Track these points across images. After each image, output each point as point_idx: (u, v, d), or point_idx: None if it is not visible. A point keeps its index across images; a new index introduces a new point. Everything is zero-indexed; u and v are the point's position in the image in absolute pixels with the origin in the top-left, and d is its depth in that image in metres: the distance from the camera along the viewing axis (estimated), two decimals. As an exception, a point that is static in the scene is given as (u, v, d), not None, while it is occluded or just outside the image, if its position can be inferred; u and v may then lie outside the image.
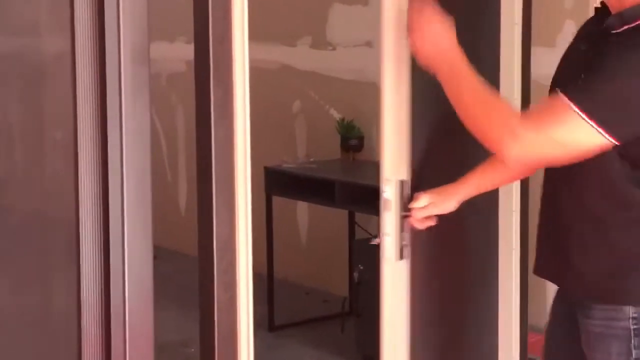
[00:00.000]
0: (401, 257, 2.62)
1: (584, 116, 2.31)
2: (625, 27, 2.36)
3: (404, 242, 2.62)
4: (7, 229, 2.42)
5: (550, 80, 2.63)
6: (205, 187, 2.65)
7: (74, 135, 2.42)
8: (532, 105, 2.66)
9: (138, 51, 2.47)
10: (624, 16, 2.36)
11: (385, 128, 2.68)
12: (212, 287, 2.64)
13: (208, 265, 2.66)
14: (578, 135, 2.33)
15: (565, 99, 2.32)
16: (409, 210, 2.63)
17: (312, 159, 5.79)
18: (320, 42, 6.11)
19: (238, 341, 2.67)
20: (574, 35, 2.66)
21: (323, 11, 6.07)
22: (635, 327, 2.43)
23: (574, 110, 2.31)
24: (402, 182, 2.63)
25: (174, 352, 3.57)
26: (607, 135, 2.32)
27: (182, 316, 3.82)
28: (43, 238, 2.47)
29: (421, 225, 2.66)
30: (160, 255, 2.85)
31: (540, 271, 2.64)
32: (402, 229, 2.63)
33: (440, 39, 2.48)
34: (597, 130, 2.31)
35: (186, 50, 2.47)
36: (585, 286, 2.50)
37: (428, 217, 2.66)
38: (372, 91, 4.37)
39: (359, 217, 5.62)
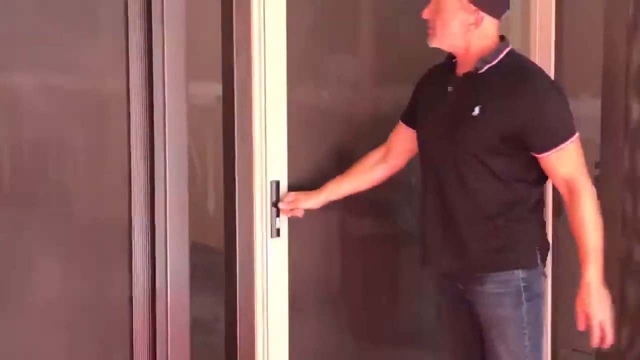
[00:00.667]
0: (277, 235, 2.83)
1: (575, 137, 2.72)
2: (487, 66, 2.74)
3: (278, 226, 2.83)
4: (75, 230, 2.53)
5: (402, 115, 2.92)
6: (229, 196, 2.80)
7: (128, 155, 2.58)
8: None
9: (178, 89, 2.60)
10: (487, 59, 2.73)
11: (255, 134, 2.77)
12: (235, 278, 2.83)
13: (231, 260, 2.83)
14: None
15: (568, 143, 2.70)
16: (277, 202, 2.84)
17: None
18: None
19: (255, 313, 2.83)
20: (422, 83, 2.91)
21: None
22: (524, 284, 2.79)
23: (574, 141, 2.72)
24: (276, 183, 2.82)
25: (205, 328, 3.34)
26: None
27: (211, 298, 3.54)
28: (103, 237, 2.60)
29: (288, 214, 2.86)
30: (193, 247, 2.83)
31: (431, 263, 2.90)
32: (277, 215, 2.82)
33: (605, 303, 2.74)
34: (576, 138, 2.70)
35: (215, 88, 2.77)
36: (481, 263, 2.79)
37: (294, 209, 2.87)
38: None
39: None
